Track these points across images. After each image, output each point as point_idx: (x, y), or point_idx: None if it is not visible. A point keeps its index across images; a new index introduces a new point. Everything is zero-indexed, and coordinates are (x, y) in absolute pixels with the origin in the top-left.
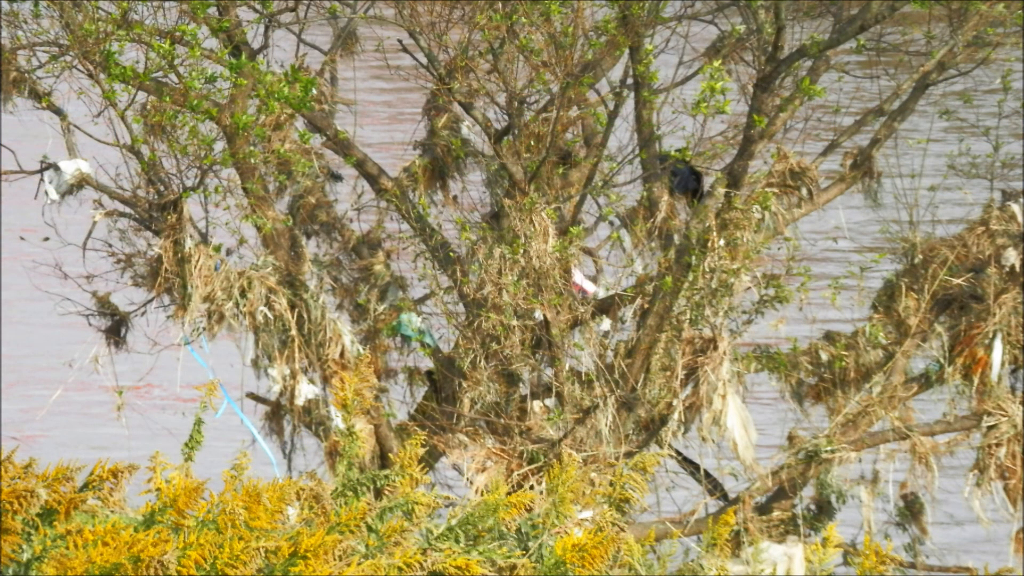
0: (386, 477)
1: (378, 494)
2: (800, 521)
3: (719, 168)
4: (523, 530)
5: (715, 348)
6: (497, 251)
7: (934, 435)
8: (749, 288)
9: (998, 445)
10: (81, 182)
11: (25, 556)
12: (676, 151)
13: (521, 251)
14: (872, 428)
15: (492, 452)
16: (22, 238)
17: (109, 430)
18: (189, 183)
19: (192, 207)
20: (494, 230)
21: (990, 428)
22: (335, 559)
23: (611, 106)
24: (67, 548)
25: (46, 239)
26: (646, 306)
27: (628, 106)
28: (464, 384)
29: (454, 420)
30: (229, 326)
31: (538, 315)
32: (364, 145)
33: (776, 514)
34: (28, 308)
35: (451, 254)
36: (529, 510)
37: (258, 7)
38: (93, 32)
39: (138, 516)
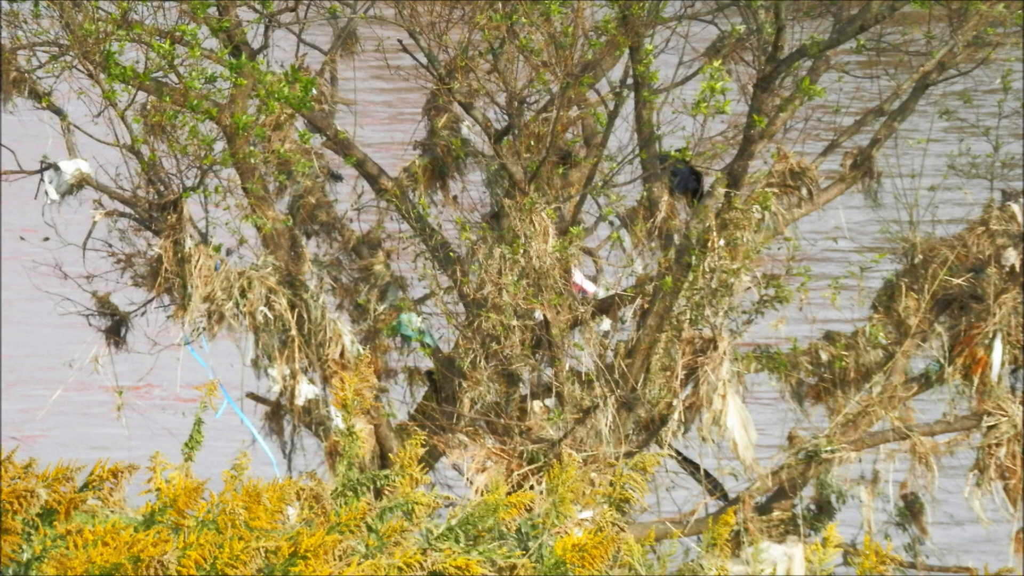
0: (386, 477)
1: (378, 494)
2: (800, 521)
3: (719, 168)
4: (523, 530)
5: (715, 348)
6: (497, 251)
7: (934, 435)
8: (749, 288)
9: (998, 445)
10: (81, 182)
11: (25, 556)
12: (676, 151)
13: (521, 251)
14: (872, 428)
15: (492, 452)
16: (22, 238)
17: (109, 430)
18: (189, 183)
19: (192, 207)
20: (494, 230)
21: (990, 428)
22: (335, 559)
23: (611, 106)
24: (67, 548)
25: (46, 239)
26: (646, 306)
27: (628, 106)
28: (464, 384)
29: (454, 420)
30: (229, 326)
31: (538, 315)
32: (364, 145)
33: (776, 514)
34: (28, 308)
35: (451, 254)
36: (529, 510)
37: (258, 7)
38: (93, 32)
39: (138, 516)
